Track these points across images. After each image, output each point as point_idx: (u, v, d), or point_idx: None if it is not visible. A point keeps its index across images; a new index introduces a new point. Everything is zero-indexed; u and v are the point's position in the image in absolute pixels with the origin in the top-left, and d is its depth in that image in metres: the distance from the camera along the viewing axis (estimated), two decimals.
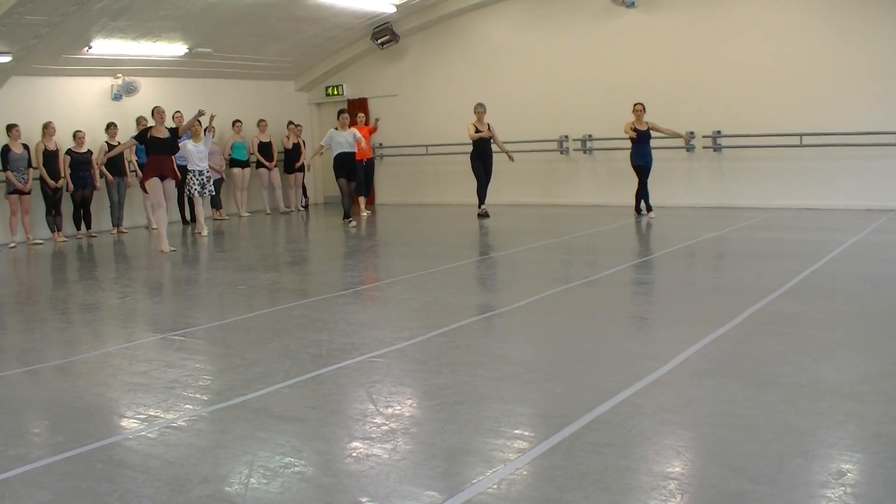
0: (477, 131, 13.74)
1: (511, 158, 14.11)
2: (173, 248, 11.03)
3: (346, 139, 13.70)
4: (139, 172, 14.43)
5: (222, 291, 8.14)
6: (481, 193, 13.98)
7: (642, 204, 13.09)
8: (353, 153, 13.79)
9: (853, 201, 12.95)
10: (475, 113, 13.84)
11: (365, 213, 15.45)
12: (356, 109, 18.14)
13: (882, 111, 12.62)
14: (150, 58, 14.58)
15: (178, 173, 11.83)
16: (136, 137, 11.43)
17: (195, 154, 13.49)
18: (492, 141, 13.85)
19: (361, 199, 15.42)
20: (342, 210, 14.06)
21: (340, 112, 14.13)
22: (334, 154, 13.75)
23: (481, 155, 13.87)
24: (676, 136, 13.29)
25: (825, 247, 9.21)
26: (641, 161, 12.87)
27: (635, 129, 12.76)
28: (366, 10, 15.65)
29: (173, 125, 12.53)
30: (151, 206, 14.59)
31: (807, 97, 13.23)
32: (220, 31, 14.63)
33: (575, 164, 15.63)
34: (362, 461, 3.58)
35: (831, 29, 13.01)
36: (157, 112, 11.29)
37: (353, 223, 13.77)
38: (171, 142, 11.19)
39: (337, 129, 13.81)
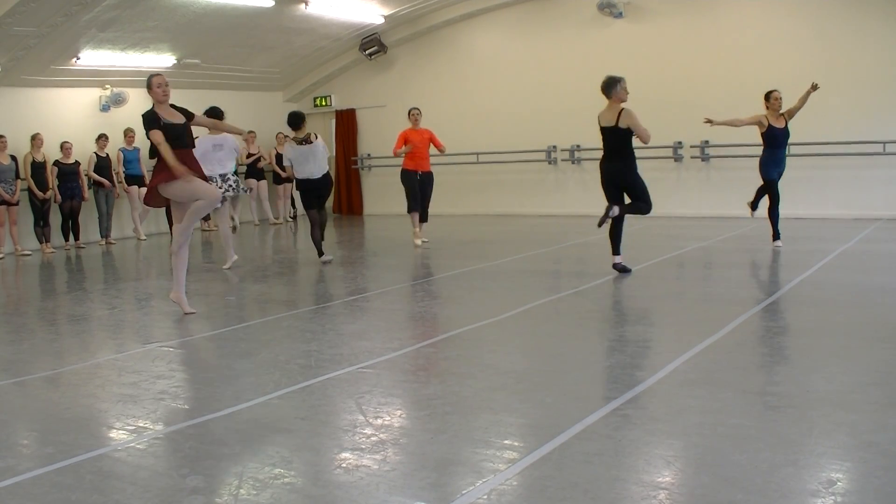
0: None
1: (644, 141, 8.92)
2: (194, 311, 7.37)
3: (318, 157, 10.06)
4: (126, 183, 14.37)
5: (211, 302, 8.11)
6: (615, 240, 8.87)
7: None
8: (324, 178, 10.17)
9: (841, 210, 13.03)
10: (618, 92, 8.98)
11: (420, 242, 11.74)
12: (344, 120, 18.20)
13: (870, 120, 12.72)
14: (138, 69, 14.52)
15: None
16: (149, 128, 7.16)
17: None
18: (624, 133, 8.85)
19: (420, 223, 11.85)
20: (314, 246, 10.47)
21: (299, 118, 10.17)
22: (301, 177, 10.09)
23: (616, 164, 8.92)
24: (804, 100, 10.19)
25: (814, 256, 9.25)
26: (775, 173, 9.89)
27: (769, 128, 9.82)
28: (354, 21, 15.70)
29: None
30: (140, 216, 14.58)
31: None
32: (208, 42, 14.64)
33: (563, 174, 15.67)
34: (352, 472, 3.57)
35: (818, 39, 13.11)
36: (156, 84, 7.44)
37: (330, 258, 10.33)
38: (189, 129, 7.45)
39: (302, 141, 9.98)
